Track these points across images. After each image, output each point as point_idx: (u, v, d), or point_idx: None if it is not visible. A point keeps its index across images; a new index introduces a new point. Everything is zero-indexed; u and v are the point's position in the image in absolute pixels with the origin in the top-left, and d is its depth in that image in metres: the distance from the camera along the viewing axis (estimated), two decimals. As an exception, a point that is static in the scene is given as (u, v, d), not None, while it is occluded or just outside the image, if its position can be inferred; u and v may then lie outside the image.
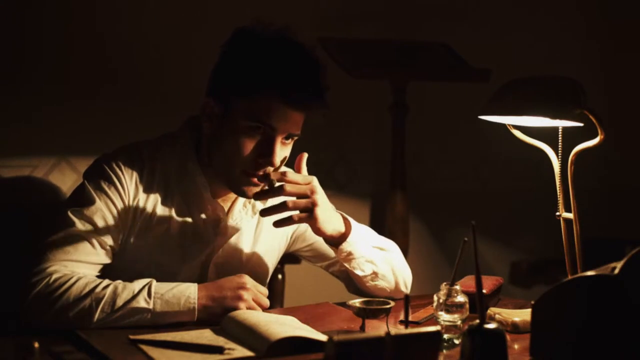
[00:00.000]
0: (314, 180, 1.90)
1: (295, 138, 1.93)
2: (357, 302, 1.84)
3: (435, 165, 3.88)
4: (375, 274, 2.04)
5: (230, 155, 1.89)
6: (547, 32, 4.01)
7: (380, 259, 2.06)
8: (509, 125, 2.02)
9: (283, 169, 1.92)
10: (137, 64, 3.13)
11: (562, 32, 4.06)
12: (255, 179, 1.90)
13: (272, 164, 1.89)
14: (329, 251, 2.11)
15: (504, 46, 3.85)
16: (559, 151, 1.97)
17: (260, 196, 1.90)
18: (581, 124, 1.84)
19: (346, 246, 1.98)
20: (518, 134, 2.04)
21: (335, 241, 1.98)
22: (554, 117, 1.83)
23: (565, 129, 1.93)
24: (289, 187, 1.87)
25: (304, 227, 2.14)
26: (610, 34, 4.19)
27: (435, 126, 3.82)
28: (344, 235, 1.98)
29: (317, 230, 1.93)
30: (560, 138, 1.96)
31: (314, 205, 1.88)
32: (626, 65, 4.21)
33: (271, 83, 1.85)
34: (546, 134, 2.00)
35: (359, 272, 2.02)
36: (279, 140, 1.88)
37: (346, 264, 2.02)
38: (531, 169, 3.17)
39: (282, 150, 1.91)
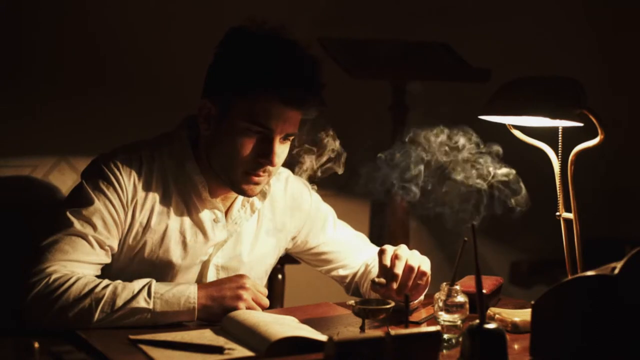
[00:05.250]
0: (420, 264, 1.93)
1: (292, 137, 1.93)
2: (357, 302, 1.84)
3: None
4: None
5: (230, 156, 1.89)
6: (547, 32, 4.00)
7: None
8: (509, 125, 2.02)
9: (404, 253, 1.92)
10: (137, 64, 3.13)
11: (563, 32, 4.05)
12: (256, 177, 1.90)
13: (272, 164, 1.89)
14: (328, 257, 2.14)
15: (504, 46, 3.84)
16: (559, 151, 1.97)
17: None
18: (581, 124, 1.84)
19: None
20: (518, 134, 2.04)
21: None
22: (554, 117, 1.83)
23: (565, 129, 1.93)
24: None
25: (306, 231, 2.15)
26: (613, 34, 4.18)
27: (435, 126, 3.81)
28: None
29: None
30: (560, 138, 1.96)
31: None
32: (628, 65, 4.20)
33: (268, 83, 1.84)
34: (546, 134, 2.00)
35: None
36: (277, 140, 1.89)
37: None
38: (531, 169, 3.16)
39: (281, 150, 1.91)
